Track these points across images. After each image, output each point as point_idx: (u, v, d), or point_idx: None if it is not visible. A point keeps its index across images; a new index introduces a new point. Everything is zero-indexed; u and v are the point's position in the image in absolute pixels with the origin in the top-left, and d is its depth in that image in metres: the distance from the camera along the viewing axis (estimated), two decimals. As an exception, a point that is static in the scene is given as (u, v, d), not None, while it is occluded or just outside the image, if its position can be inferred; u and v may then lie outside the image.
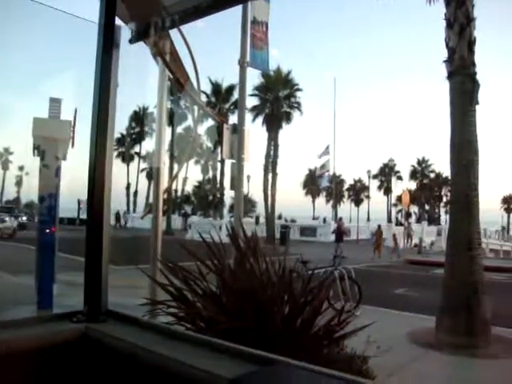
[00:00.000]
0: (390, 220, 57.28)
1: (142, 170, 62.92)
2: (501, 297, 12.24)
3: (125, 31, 2.17)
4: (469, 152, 8.55)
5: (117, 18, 2.07)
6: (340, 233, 25.79)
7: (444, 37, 9.16)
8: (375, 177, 68.74)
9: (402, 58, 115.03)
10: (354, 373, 3.24)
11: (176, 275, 3.19)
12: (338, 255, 11.42)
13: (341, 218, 35.39)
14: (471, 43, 8.90)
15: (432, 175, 70.01)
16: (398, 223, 43.79)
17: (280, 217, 47.68)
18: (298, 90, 38.42)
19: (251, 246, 3.22)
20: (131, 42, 2.16)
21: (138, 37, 2.20)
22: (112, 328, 1.88)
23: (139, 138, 62.56)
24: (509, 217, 73.84)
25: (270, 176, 36.37)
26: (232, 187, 9.74)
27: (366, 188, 69.82)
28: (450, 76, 8.90)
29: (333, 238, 30.85)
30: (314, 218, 56.85)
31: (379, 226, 28.42)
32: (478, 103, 8.67)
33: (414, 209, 67.91)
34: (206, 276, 3.18)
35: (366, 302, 10.39)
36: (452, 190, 9.49)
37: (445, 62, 9.10)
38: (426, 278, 17.58)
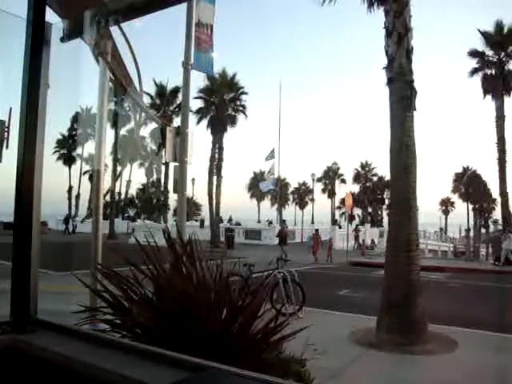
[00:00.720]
0: (334, 222, 58.17)
1: (85, 173, 61.30)
2: (437, 295, 12.71)
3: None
4: (407, 156, 8.81)
5: (50, 14, 1.97)
6: (283, 236, 25.82)
7: (384, 45, 9.41)
8: (319, 180, 69.55)
9: (347, 63, 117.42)
10: (291, 376, 3.27)
11: (111, 281, 3.10)
12: (282, 258, 11.46)
13: (284, 221, 35.61)
14: (409, 51, 9.19)
15: (375, 178, 71.63)
16: (338, 226, 44.34)
17: (230, 219, 47.64)
18: (243, 93, 38.51)
19: (188, 250, 3.18)
20: (63, 40, 2.05)
21: (70, 35, 2.09)
22: (41, 338, 1.79)
23: (82, 139, 60.99)
24: (446, 218, 76.52)
25: (214, 179, 36.22)
26: (175, 190, 9.63)
27: (310, 191, 70.53)
28: (390, 82, 9.16)
29: (278, 240, 31.07)
30: (258, 221, 57.11)
31: (317, 230, 28.50)
32: (415, 109, 8.95)
33: (358, 211, 69.32)
34: (141, 281, 3.11)
35: (310, 304, 10.50)
36: (391, 193, 9.75)
37: (385, 68, 9.35)
38: (368, 279, 17.95)
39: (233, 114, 37.77)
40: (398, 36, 9.15)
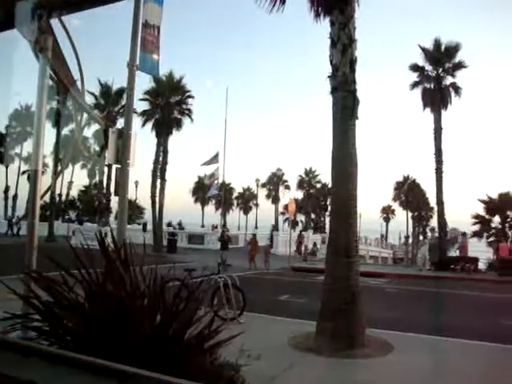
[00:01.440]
0: (276, 228, 58.55)
1: (23, 173, 59.11)
2: (375, 300, 13.01)
3: None
4: (348, 164, 8.98)
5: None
6: (225, 240, 25.32)
7: (328, 54, 9.57)
8: (264, 185, 69.98)
9: (294, 71, 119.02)
10: (224, 382, 3.25)
11: (41, 286, 2.98)
12: (223, 263, 11.41)
13: (224, 225, 35.44)
14: (353, 62, 9.37)
15: (318, 185, 72.62)
16: (275, 230, 44.09)
17: (180, 224, 47.12)
18: (190, 96, 38.17)
19: (121, 255, 3.10)
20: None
21: (1, 26, 1.96)
22: None
23: (20, 138, 58.85)
24: (387, 225, 78.65)
25: (158, 182, 35.72)
26: (116, 192, 9.46)
27: (254, 196, 70.95)
28: (333, 91, 9.31)
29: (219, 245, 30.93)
30: (202, 226, 56.80)
31: (254, 235, 27.95)
32: (357, 118, 9.15)
33: (301, 217, 70.16)
34: (73, 286, 3.00)
35: (251, 309, 10.51)
36: (332, 200, 9.91)
37: (329, 77, 9.51)
38: (309, 284, 18.10)
39: (178, 117, 37.40)
40: (343, 46, 9.32)
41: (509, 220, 31.39)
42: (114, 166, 10.04)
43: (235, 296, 10.29)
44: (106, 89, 44.00)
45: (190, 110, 37.97)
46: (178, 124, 37.18)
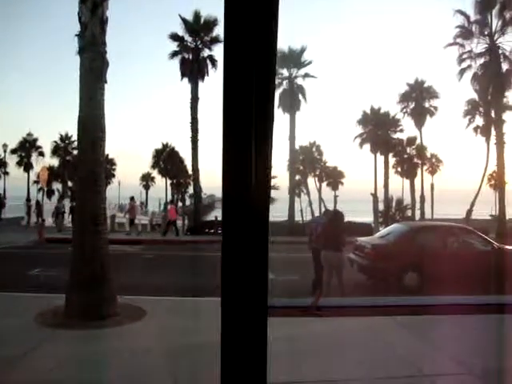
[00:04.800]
0: (29, 198, 54.42)
1: None
2: (129, 267, 13.14)
3: None
4: (95, 129, 8.63)
5: None
6: None
7: (77, 11, 8.97)
8: (14, 152, 64.27)
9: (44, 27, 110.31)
10: None
11: None
12: None
13: None
14: (103, 22, 8.96)
15: (76, 152, 69.38)
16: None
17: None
18: None
19: None
20: None
21: None
22: None
23: None
24: (147, 193, 79.34)
25: None
26: None
27: (3, 164, 64.66)
28: (81, 51, 8.79)
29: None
30: None
31: None
32: (106, 81, 8.82)
33: (58, 186, 66.46)
34: None
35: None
36: (79, 167, 9.40)
37: (77, 36, 8.94)
38: (63, 255, 17.25)
39: None
40: (93, 4, 8.82)
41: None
42: None
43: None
44: None
45: None
46: None
